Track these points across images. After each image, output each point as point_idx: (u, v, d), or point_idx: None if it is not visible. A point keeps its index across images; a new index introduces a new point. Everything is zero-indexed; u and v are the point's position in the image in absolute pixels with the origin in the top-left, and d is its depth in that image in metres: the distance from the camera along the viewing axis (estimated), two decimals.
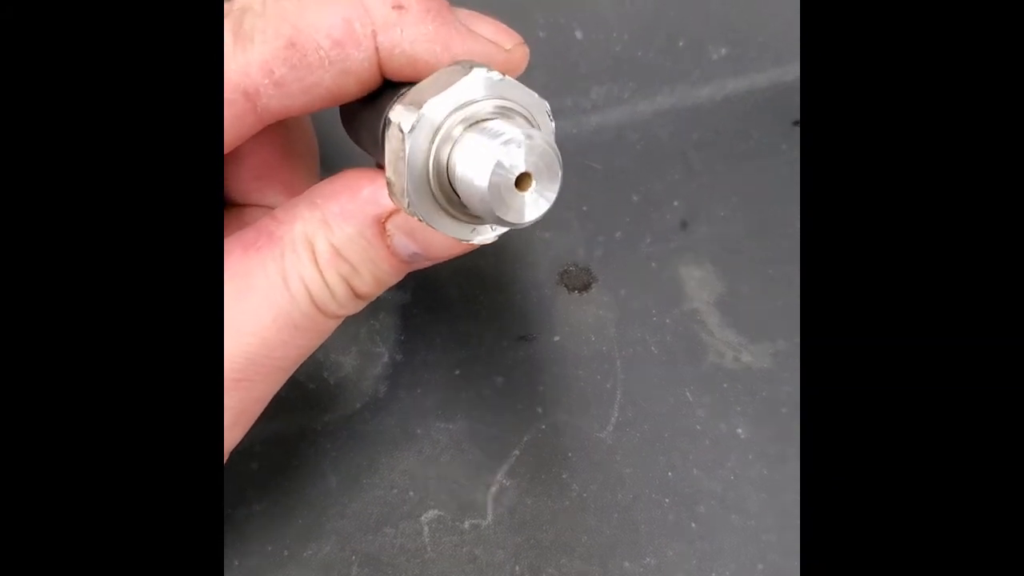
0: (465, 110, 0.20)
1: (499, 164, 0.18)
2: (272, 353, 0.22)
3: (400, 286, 0.34)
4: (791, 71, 0.37)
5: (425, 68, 0.21)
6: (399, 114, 0.20)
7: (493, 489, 0.30)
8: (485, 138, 0.19)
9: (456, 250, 0.22)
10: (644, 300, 0.34)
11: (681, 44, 0.38)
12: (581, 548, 0.29)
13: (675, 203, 0.35)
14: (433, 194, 0.20)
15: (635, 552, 0.29)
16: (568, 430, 0.31)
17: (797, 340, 0.32)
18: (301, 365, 0.24)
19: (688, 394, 0.32)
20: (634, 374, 0.32)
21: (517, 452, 0.31)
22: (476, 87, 0.20)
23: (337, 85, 0.21)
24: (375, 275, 0.23)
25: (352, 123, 0.24)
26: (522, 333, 0.33)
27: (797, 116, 0.36)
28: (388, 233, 0.22)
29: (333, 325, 0.24)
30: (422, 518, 0.30)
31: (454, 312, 0.33)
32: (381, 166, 0.22)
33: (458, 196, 0.20)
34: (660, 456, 0.31)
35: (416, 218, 0.20)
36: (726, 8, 0.38)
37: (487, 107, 0.20)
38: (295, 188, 0.27)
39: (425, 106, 0.19)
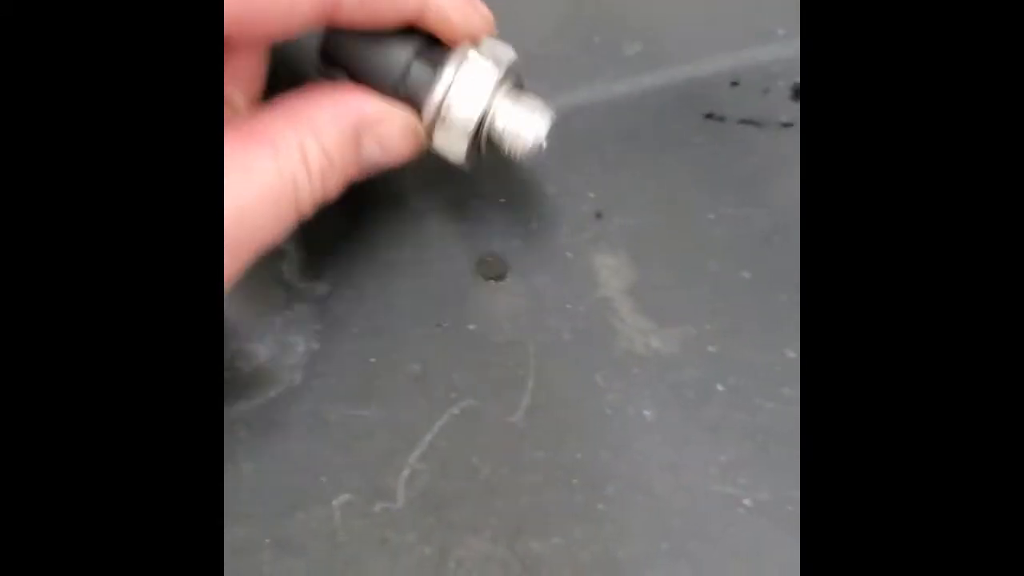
0: (505, 84, 0.30)
1: (538, 133, 0.30)
2: (255, 222, 0.25)
3: (319, 277, 0.35)
4: (703, 66, 0.38)
5: (450, 24, 0.29)
6: (477, 61, 0.30)
7: (405, 473, 0.31)
8: (527, 113, 0.30)
9: (408, 155, 0.30)
10: (558, 288, 0.34)
11: (596, 40, 0.39)
12: (490, 529, 0.30)
13: (591, 194, 0.36)
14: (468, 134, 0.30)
15: (543, 532, 0.30)
16: (480, 415, 0.32)
17: (705, 326, 0.33)
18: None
19: (599, 379, 0.33)
20: (547, 361, 0.33)
21: (430, 437, 0.32)
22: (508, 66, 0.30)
23: (393, 13, 0.27)
24: (345, 174, 0.28)
25: (346, 49, 0.29)
26: (438, 322, 0.34)
27: (709, 110, 0.37)
28: (362, 139, 0.28)
29: (294, 221, 0.27)
30: (334, 502, 0.30)
31: (372, 302, 0.34)
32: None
33: (482, 133, 0.30)
34: (570, 440, 0.32)
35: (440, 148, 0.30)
36: (639, 5, 0.39)
37: (510, 81, 0.31)
38: (252, 91, 0.30)
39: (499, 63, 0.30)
